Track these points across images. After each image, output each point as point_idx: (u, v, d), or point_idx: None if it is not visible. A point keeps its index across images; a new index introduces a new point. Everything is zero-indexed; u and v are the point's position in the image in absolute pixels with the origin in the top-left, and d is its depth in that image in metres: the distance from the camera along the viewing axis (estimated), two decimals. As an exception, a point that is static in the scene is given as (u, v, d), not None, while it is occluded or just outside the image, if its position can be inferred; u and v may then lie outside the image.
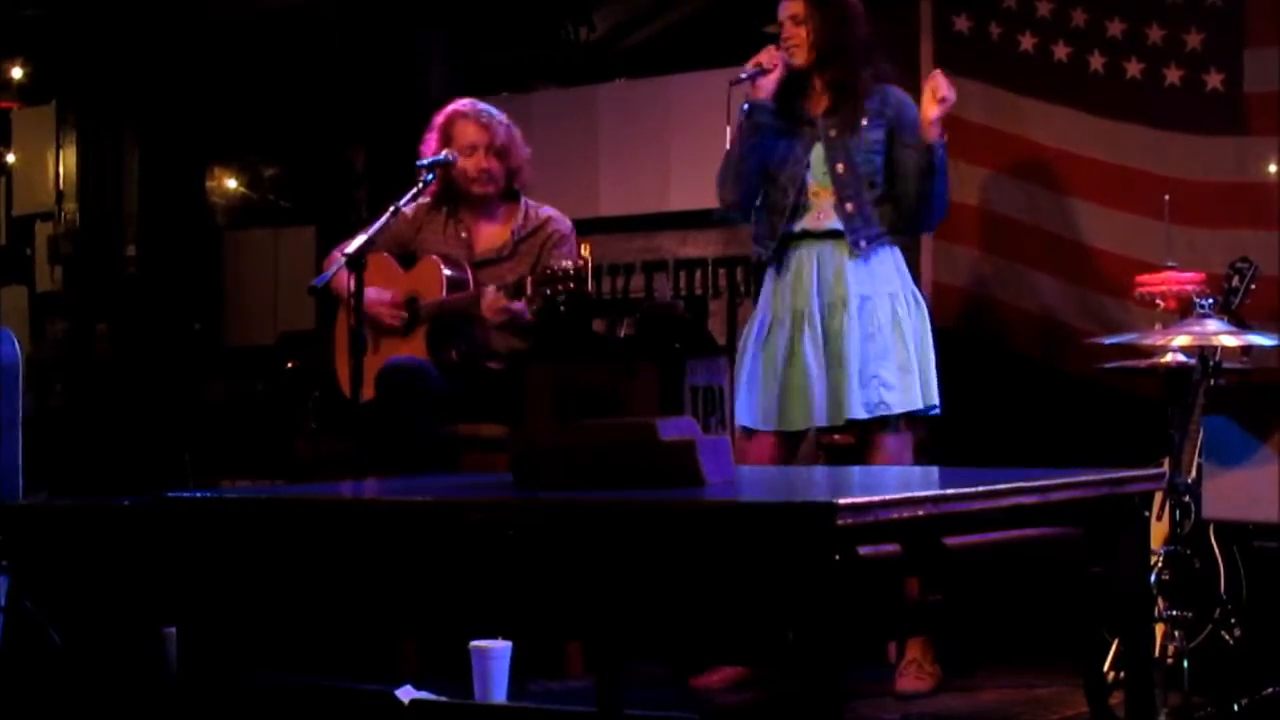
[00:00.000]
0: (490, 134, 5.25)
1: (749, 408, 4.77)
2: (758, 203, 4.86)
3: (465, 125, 5.25)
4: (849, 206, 4.71)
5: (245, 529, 2.91)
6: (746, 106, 4.75)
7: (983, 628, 4.41)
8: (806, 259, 4.76)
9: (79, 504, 4.89)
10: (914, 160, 4.68)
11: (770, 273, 4.84)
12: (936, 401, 4.73)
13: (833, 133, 4.74)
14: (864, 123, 4.72)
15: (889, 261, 4.76)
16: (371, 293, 5.04)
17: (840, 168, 4.72)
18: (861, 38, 4.79)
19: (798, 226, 4.77)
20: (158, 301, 7.65)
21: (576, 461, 2.84)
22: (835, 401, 4.67)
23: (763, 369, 4.77)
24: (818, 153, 4.76)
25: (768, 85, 4.74)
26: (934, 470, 4.31)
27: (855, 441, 4.93)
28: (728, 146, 4.78)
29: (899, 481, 3.29)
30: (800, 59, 4.77)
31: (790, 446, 4.82)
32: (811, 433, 4.94)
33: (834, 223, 4.74)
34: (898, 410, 4.67)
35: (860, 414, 4.66)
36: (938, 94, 4.59)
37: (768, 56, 4.76)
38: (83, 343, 7.69)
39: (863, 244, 4.70)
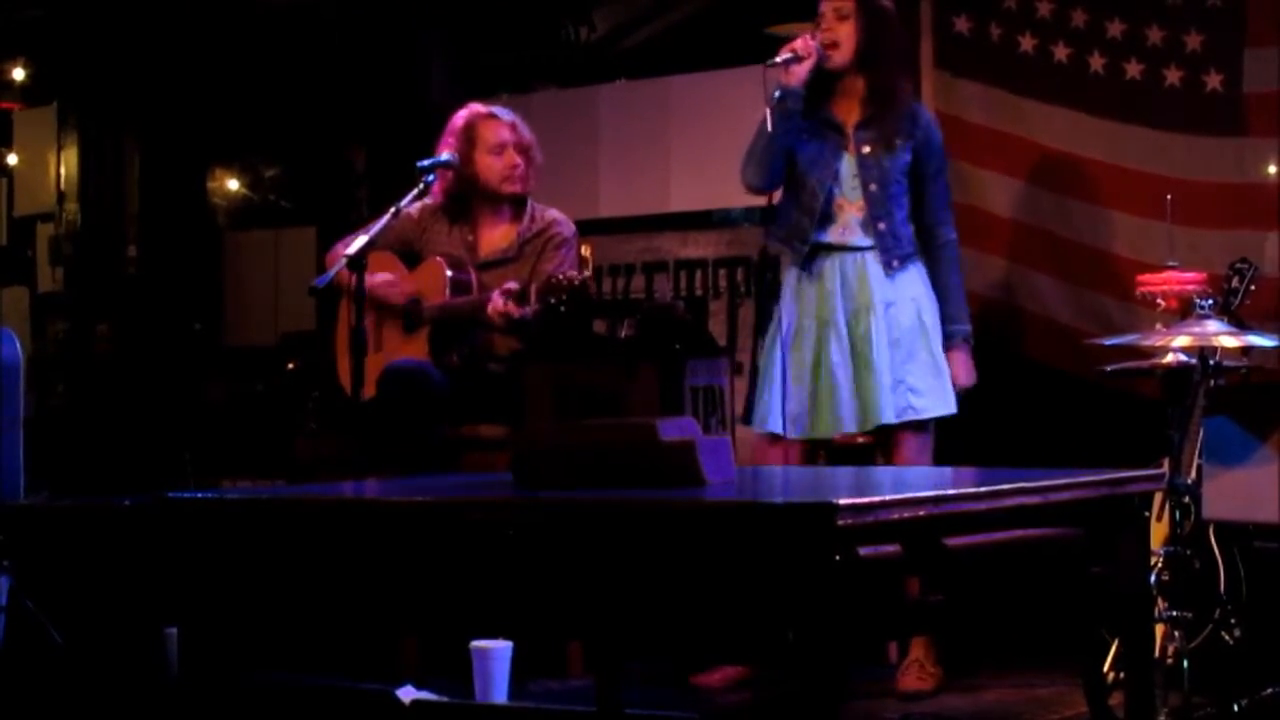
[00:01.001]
0: (517, 132, 5.27)
1: (775, 414, 4.75)
2: (781, 198, 4.85)
3: (491, 125, 5.26)
4: (881, 226, 4.71)
5: (246, 529, 2.91)
6: (779, 93, 4.73)
7: (983, 628, 4.42)
8: (831, 269, 4.76)
9: (79, 504, 4.90)
10: (933, 192, 4.75)
11: (791, 278, 4.82)
12: (954, 407, 4.74)
13: (867, 149, 4.72)
14: (898, 143, 4.72)
15: (914, 271, 4.76)
16: (378, 278, 5.05)
17: (873, 187, 4.71)
18: (901, 49, 4.79)
19: (824, 238, 4.77)
20: (158, 302, 7.65)
21: (577, 461, 2.84)
22: (865, 407, 4.67)
23: (791, 376, 4.75)
24: (847, 165, 4.75)
25: (800, 73, 4.71)
26: (935, 470, 4.31)
27: (875, 443, 4.93)
28: (767, 128, 4.73)
29: (899, 482, 3.29)
30: (838, 60, 4.73)
31: (810, 453, 4.82)
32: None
33: (860, 239, 4.74)
34: (925, 415, 4.68)
35: (890, 419, 4.66)
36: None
37: (803, 44, 4.72)
38: (83, 343, 7.69)
39: (895, 263, 4.71)
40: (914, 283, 4.75)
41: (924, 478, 3.60)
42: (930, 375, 4.69)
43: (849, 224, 4.75)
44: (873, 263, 4.73)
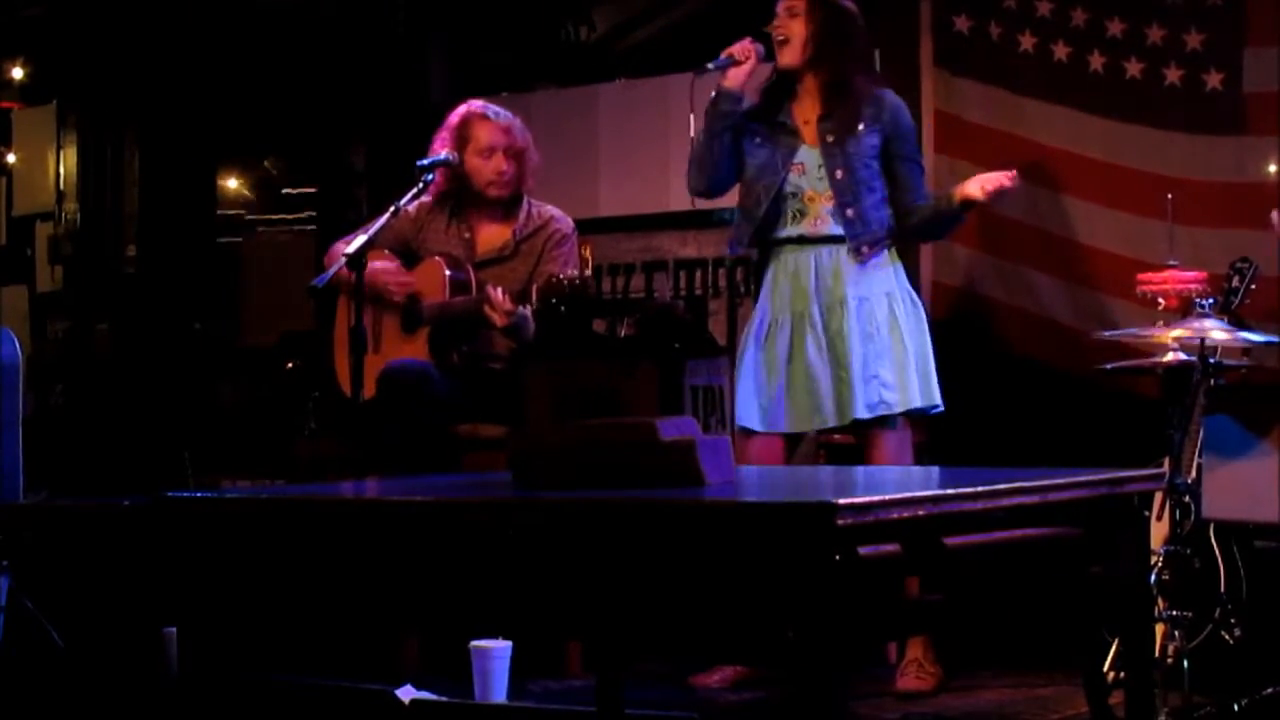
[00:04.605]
0: (509, 136, 5.25)
1: (748, 409, 4.77)
2: (735, 201, 4.88)
3: (484, 126, 5.25)
4: (849, 212, 4.70)
5: (245, 529, 2.91)
6: (714, 93, 4.75)
7: (983, 628, 4.42)
8: (804, 263, 4.75)
9: (79, 504, 4.89)
10: (929, 208, 4.74)
11: (767, 275, 4.84)
12: (938, 401, 4.73)
13: (830, 138, 4.73)
14: (861, 128, 4.72)
15: (886, 264, 4.76)
16: (377, 264, 5.03)
17: (839, 174, 4.71)
18: (857, 44, 4.78)
19: (794, 232, 4.77)
20: (158, 301, 7.65)
21: (576, 461, 2.84)
22: (839, 402, 4.66)
23: (763, 371, 4.76)
24: (812, 158, 4.75)
25: (739, 76, 4.74)
26: (934, 470, 4.31)
27: (855, 441, 4.92)
28: (692, 134, 4.78)
29: (899, 481, 3.29)
30: (790, 59, 4.75)
31: (789, 447, 4.82)
32: (812, 432, 4.94)
33: (831, 228, 4.73)
34: (898, 409, 4.67)
35: (863, 414, 4.66)
36: (990, 187, 4.64)
37: (740, 49, 4.75)
38: (83, 343, 7.69)
39: (865, 249, 4.70)
40: (887, 276, 4.75)
41: (923, 477, 3.60)
42: (901, 370, 4.67)
43: (820, 215, 4.75)
44: (846, 255, 4.73)
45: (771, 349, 4.76)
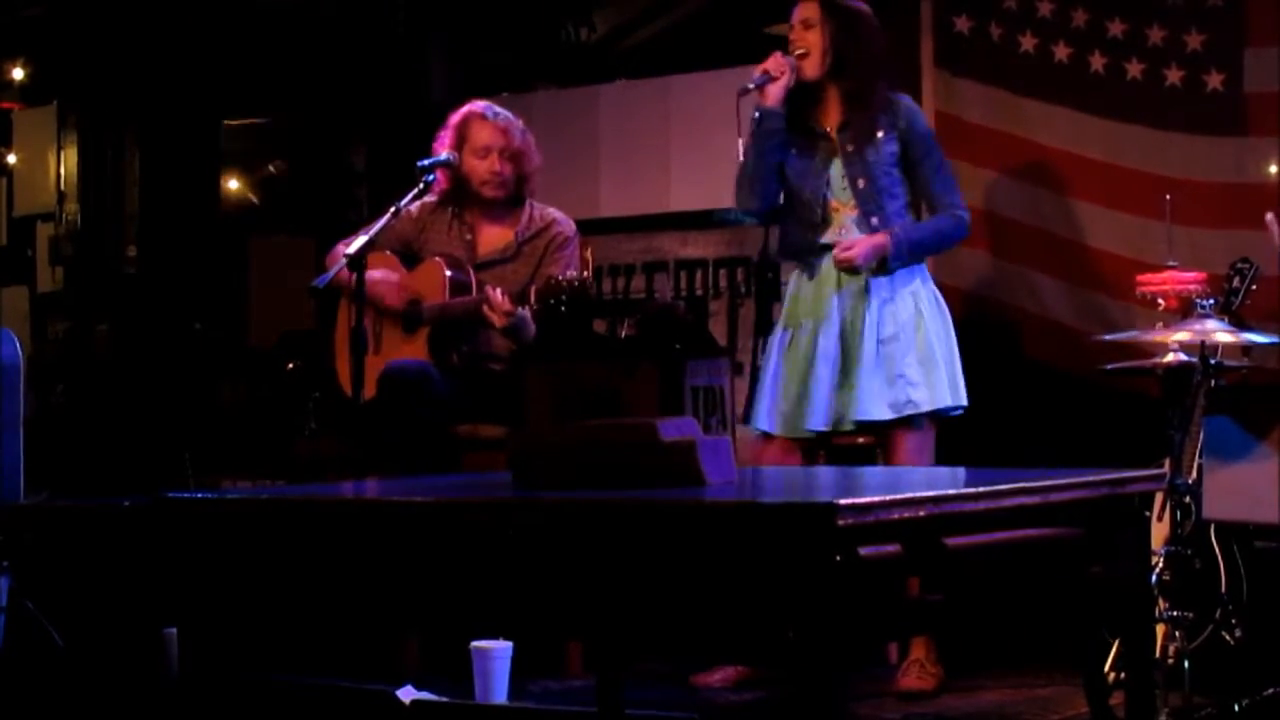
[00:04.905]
0: (507, 138, 5.25)
1: (768, 413, 4.77)
2: (781, 209, 4.87)
3: (482, 127, 5.25)
4: (874, 221, 4.72)
5: (245, 529, 2.91)
6: (757, 114, 4.76)
7: (983, 628, 4.42)
8: (829, 268, 4.77)
9: (79, 504, 4.89)
10: (925, 175, 4.74)
11: (794, 282, 4.85)
12: (964, 400, 4.73)
13: (850, 148, 4.74)
14: (879, 135, 4.72)
15: (913, 266, 4.76)
16: (376, 274, 5.03)
17: (861, 183, 4.72)
18: (875, 50, 4.78)
19: (821, 239, 4.78)
20: (158, 302, 7.65)
21: (577, 461, 2.84)
22: (843, 404, 4.67)
23: (784, 375, 4.77)
24: (835, 168, 4.76)
25: (776, 92, 4.75)
26: (935, 470, 4.31)
27: (876, 441, 4.91)
28: (741, 156, 4.78)
29: (900, 482, 3.29)
30: (811, 72, 4.76)
31: (809, 451, 4.82)
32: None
33: (856, 237, 4.74)
34: (925, 408, 4.67)
35: (886, 414, 4.66)
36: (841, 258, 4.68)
37: (775, 64, 4.75)
38: (83, 343, 7.69)
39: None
40: (912, 276, 4.75)
41: (924, 478, 3.60)
42: (927, 368, 4.68)
43: (845, 224, 4.77)
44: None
45: (794, 354, 4.76)
